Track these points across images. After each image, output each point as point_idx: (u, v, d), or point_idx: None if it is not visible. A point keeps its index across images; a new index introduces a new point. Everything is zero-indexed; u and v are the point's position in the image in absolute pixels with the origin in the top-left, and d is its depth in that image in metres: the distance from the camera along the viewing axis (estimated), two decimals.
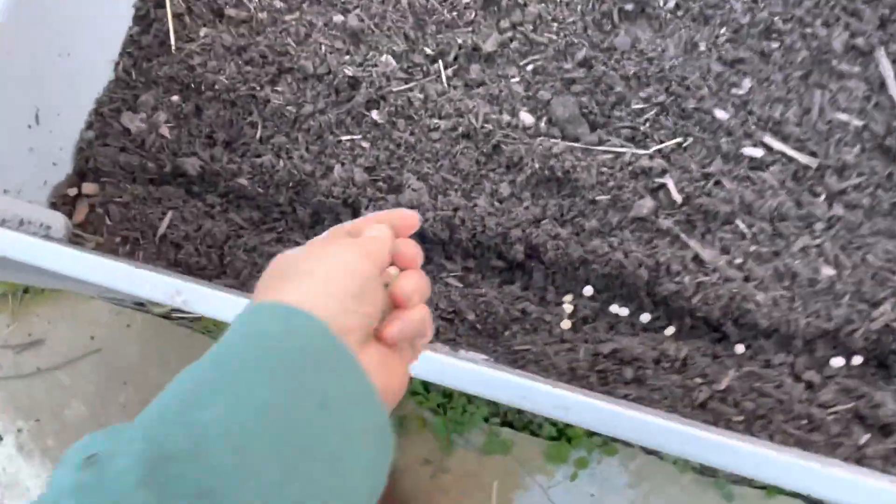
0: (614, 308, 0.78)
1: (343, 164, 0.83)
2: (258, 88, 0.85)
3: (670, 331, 0.77)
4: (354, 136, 0.84)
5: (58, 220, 0.79)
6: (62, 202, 0.82)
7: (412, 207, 0.80)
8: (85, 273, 0.64)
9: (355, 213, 0.83)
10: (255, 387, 0.24)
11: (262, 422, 0.23)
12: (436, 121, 0.83)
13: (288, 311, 0.28)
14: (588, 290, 0.79)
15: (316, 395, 0.25)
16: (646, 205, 0.77)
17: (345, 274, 0.31)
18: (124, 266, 0.64)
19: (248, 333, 0.28)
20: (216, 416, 0.23)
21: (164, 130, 0.84)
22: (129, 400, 1.07)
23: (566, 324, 0.77)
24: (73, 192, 0.83)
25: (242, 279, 0.81)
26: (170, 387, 0.25)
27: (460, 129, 0.82)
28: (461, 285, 0.81)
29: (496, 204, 0.80)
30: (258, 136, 0.85)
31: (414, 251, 0.39)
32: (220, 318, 0.63)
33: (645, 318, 0.77)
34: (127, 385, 1.08)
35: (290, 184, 0.83)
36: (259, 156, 0.84)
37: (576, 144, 0.81)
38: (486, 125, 0.82)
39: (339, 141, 0.84)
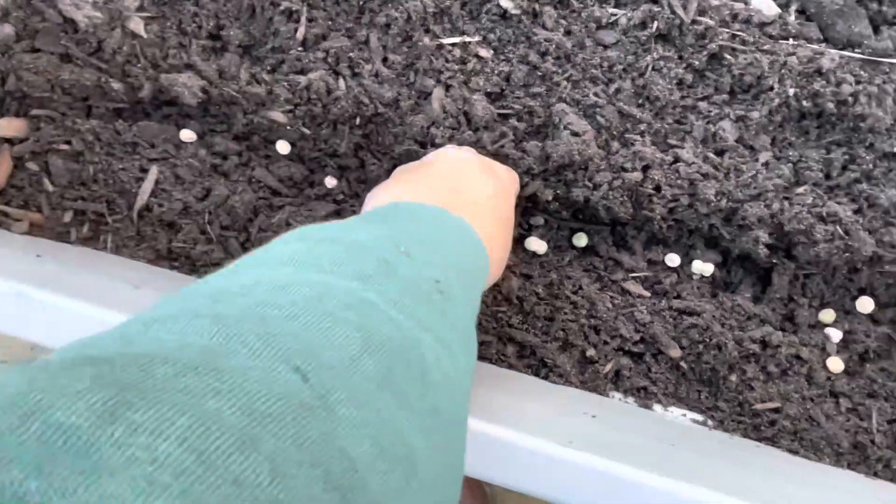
0: None
1: (449, 87, 0.48)
2: None
3: None
4: (468, 38, 0.49)
5: None
6: None
7: (569, 165, 0.46)
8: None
9: None
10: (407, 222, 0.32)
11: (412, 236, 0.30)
12: (611, 9, 0.48)
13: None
14: (866, 305, 0.47)
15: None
16: None
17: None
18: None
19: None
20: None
21: (137, 25, 0.49)
22: None
23: (835, 363, 0.46)
24: None
25: None
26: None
27: (654, 26, 0.47)
28: (649, 294, 0.49)
29: (713, 157, 0.47)
30: (300, 35, 0.49)
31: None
32: None
33: None
34: None
35: (358, 121, 0.48)
36: (303, 71, 0.49)
37: (853, 54, 0.47)
38: (699, 18, 0.47)
39: (441, 46, 0.49)
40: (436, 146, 0.47)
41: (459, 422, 0.26)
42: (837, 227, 0.44)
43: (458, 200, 0.36)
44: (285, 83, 0.48)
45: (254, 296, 0.21)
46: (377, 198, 0.38)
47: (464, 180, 0.38)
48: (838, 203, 0.46)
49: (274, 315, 0.20)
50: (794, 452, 0.44)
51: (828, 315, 0.48)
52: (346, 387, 0.19)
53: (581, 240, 0.51)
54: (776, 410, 0.45)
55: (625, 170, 0.47)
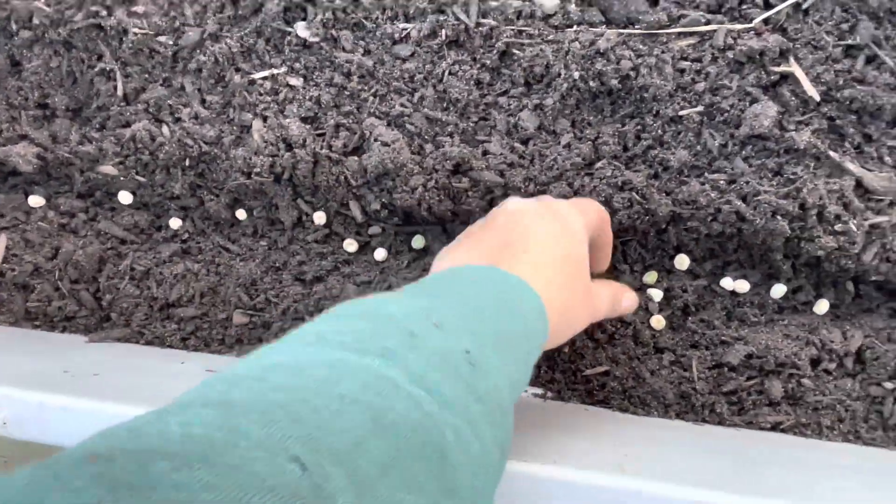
0: (727, 282, 0.49)
1: (265, 117, 0.51)
2: (104, 13, 0.52)
3: (823, 307, 0.49)
4: (276, 71, 0.52)
5: None
6: None
7: (385, 173, 0.49)
8: None
9: (297, 193, 0.52)
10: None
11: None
12: (402, 25, 0.51)
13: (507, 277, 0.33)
14: (682, 262, 0.50)
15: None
16: (764, 112, 0.47)
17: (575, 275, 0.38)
18: None
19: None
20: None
21: None
22: None
23: (658, 321, 0.49)
24: None
25: (136, 326, 0.50)
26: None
27: (443, 33, 0.51)
28: None
29: (518, 146, 0.50)
30: (120, 91, 0.52)
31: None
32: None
33: (778, 291, 0.49)
34: None
35: (187, 162, 0.51)
36: (127, 124, 0.52)
37: (633, 31, 0.50)
38: (483, 20, 0.51)
39: (253, 82, 0.52)
40: (259, 175, 0.50)
41: (484, 497, 0.25)
42: (634, 194, 0.47)
43: (509, 253, 0.35)
44: (112, 138, 0.51)
45: (270, 379, 0.22)
46: (441, 262, 0.38)
47: (518, 231, 0.37)
48: (635, 171, 0.48)
49: (284, 400, 0.21)
50: (624, 410, 0.47)
51: (651, 277, 0.50)
52: (346, 473, 0.19)
53: (419, 241, 0.53)
54: (605, 374, 0.47)
55: (437, 171, 0.49)
